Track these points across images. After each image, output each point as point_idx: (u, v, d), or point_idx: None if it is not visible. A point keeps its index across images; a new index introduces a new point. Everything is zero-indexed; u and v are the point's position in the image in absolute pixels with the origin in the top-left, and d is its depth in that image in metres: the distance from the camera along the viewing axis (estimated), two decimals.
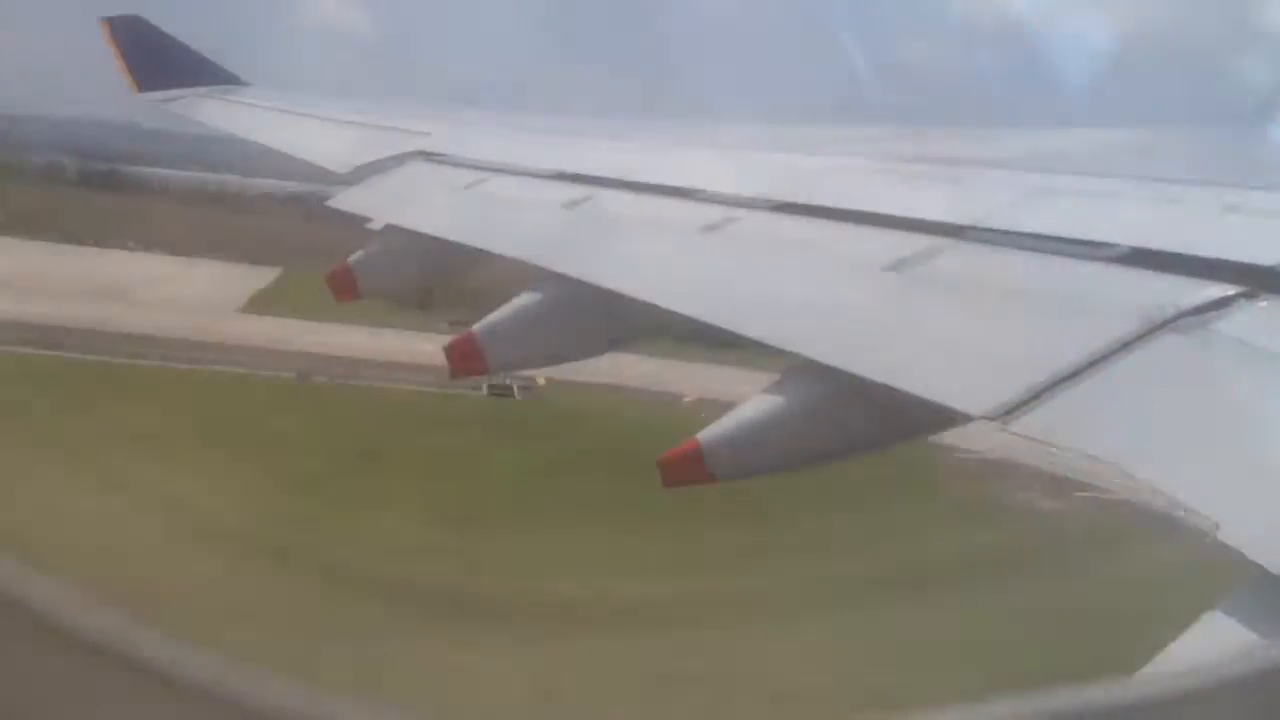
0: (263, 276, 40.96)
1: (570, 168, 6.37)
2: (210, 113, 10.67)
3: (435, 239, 6.25)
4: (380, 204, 6.99)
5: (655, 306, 4.44)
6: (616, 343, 5.20)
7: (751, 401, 3.76)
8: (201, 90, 11.10)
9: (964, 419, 3.08)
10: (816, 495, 16.83)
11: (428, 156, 7.56)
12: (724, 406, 3.89)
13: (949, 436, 4.17)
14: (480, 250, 5.88)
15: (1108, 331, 2.94)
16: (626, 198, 5.67)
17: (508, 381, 28.57)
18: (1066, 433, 2.74)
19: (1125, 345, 2.89)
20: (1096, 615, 17.77)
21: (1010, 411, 2.85)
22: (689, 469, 3.76)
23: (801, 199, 4.82)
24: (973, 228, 3.92)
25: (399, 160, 7.60)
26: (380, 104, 9.90)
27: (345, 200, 7.31)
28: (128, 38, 11.40)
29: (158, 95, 11.22)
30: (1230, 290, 2.95)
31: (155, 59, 11.34)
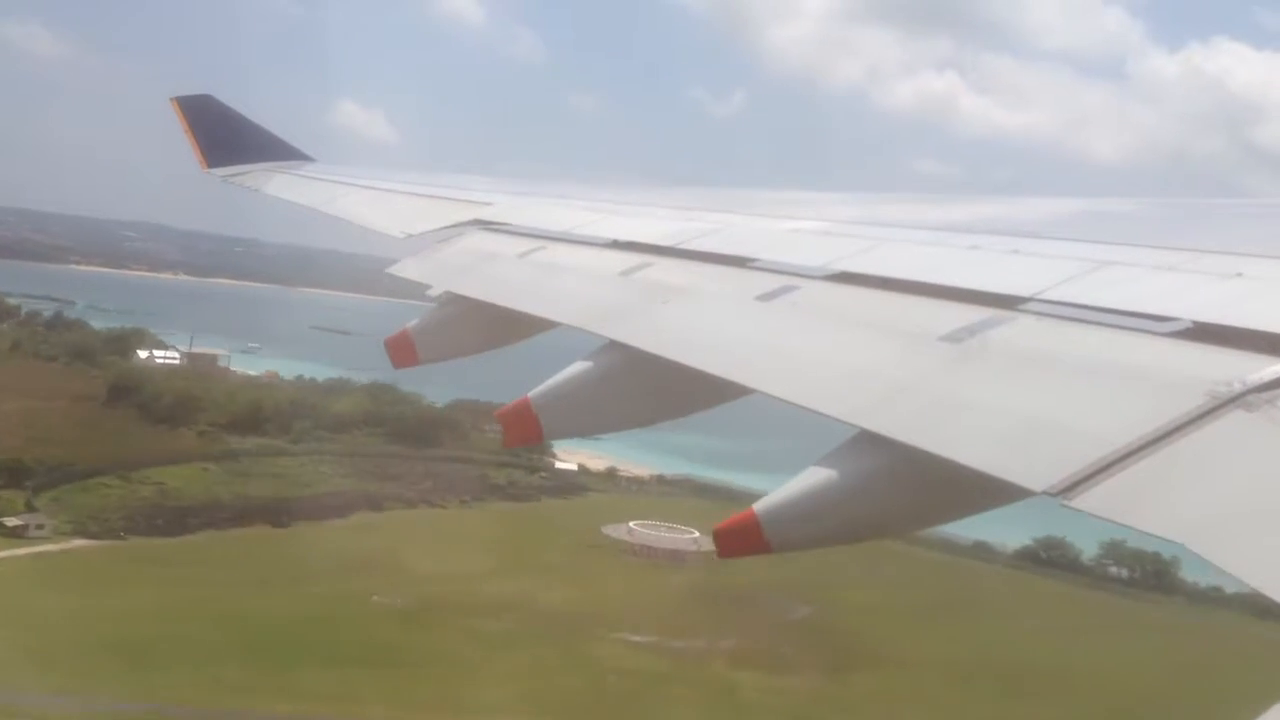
0: None
1: (626, 236, 6.47)
2: (276, 186, 11.01)
3: (492, 306, 6.37)
4: (439, 271, 7.14)
5: (710, 376, 4.47)
6: (673, 412, 5.22)
7: (809, 471, 3.75)
8: (268, 165, 11.47)
9: (1025, 494, 3.05)
10: None
11: (485, 225, 7.73)
12: None
13: None
14: (536, 317, 5.97)
15: (1173, 408, 2.91)
16: (681, 266, 5.74)
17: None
18: (1131, 510, 2.70)
19: (1191, 421, 2.85)
20: None
21: (1072, 487, 2.82)
22: (746, 540, 3.75)
23: (858, 268, 4.85)
24: (1032, 299, 3.91)
25: (458, 229, 7.78)
26: (440, 176, 10.16)
27: (405, 268, 7.47)
28: (197, 116, 11.85)
29: (225, 171, 11.60)
30: None
31: (224, 136, 11.76)
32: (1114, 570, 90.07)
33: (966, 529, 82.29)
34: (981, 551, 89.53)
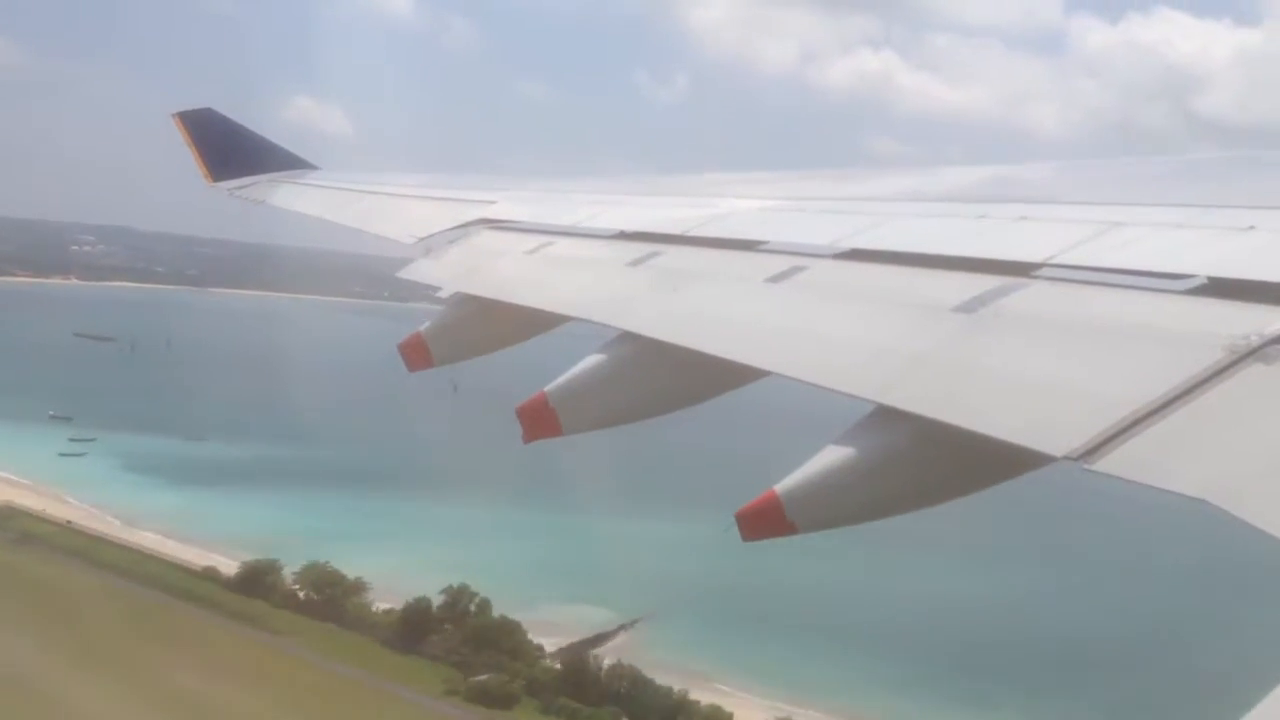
0: None
1: (632, 227, 6.46)
2: (282, 197, 11.04)
3: (504, 304, 6.37)
4: (449, 273, 7.15)
5: (725, 360, 4.47)
6: (690, 399, 5.22)
7: (828, 450, 3.74)
8: (272, 176, 11.50)
9: (1047, 460, 3.04)
10: None
11: (492, 224, 7.73)
12: None
13: None
14: (549, 313, 5.98)
15: (1191, 364, 2.90)
16: (689, 253, 5.73)
17: None
18: (1153, 470, 2.69)
19: (1210, 378, 2.84)
20: None
21: (1093, 451, 2.81)
22: (769, 522, 3.74)
23: (865, 244, 4.83)
24: (1044, 264, 3.89)
25: (465, 230, 7.78)
26: (442, 177, 10.17)
27: (414, 271, 7.48)
28: (200, 130, 11.87)
29: (231, 184, 11.63)
30: None
31: (227, 149, 11.78)
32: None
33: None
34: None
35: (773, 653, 72.28)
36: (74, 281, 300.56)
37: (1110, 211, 4.30)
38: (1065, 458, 2.86)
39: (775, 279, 4.81)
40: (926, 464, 3.60)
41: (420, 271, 7.43)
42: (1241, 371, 2.83)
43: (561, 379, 5.15)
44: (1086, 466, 2.79)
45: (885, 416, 3.59)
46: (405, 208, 9.06)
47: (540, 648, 70.25)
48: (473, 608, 71.53)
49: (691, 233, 5.95)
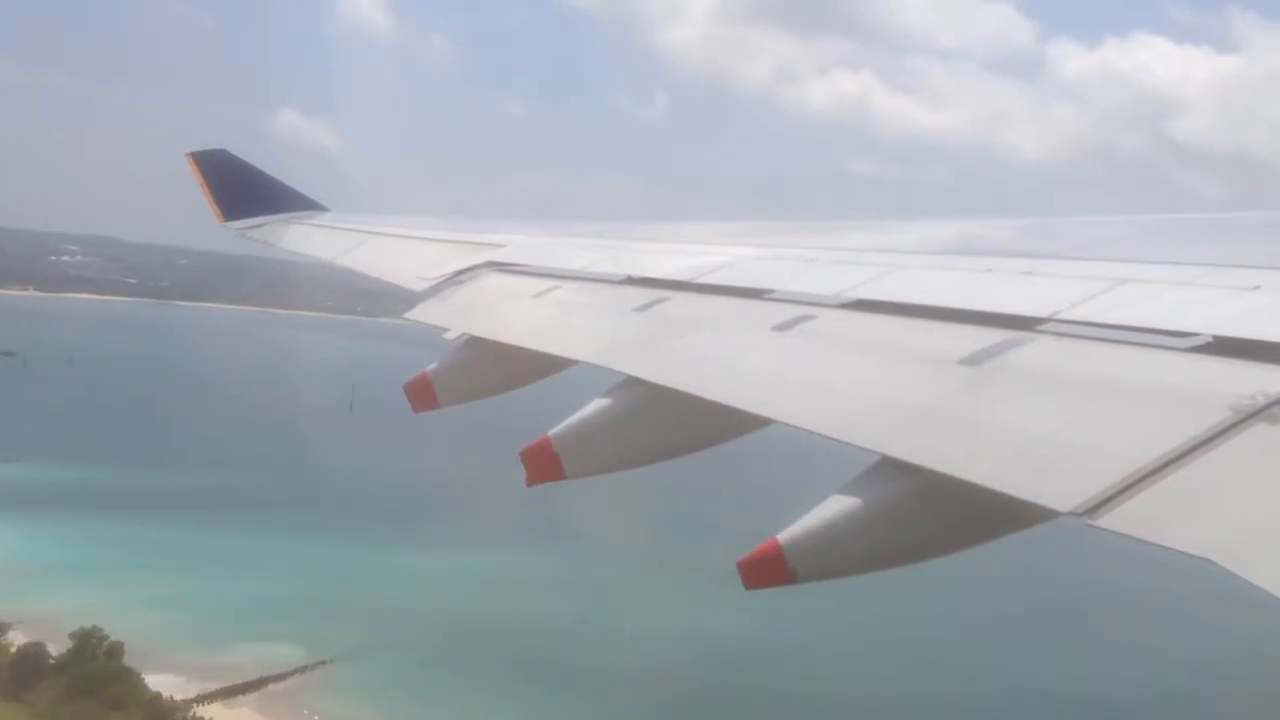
0: None
1: (640, 272, 6.50)
2: (290, 239, 11.14)
3: (510, 346, 6.40)
4: (455, 315, 7.18)
5: (729, 407, 4.47)
6: (694, 445, 5.22)
7: (832, 499, 3.73)
8: (283, 217, 11.61)
9: (1051, 515, 3.03)
10: None
11: (500, 267, 7.78)
12: None
13: None
14: (555, 356, 6.00)
15: (1196, 423, 2.89)
16: (697, 300, 5.76)
17: None
18: (1157, 528, 2.68)
19: (1215, 436, 2.83)
20: None
21: (1098, 507, 2.80)
22: (771, 570, 3.73)
23: (872, 295, 4.85)
24: (1049, 319, 3.90)
25: (472, 272, 7.83)
26: (451, 219, 10.26)
27: (422, 312, 7.52)
28: (212, 170, 12.02)
29: (241, 224, 11.75)
30: None
31: (239, 189, 11.92)
32: None
33: None
34: None
35: (461, 700, 65.36)
36: (31, 293, 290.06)
37: (1116, 268, 4.32)
38: (1070, 513, 2.85)
39: (781, 327, 4.83)
40: (930, 516, 3.59)
41: (427, 313, 7.47)
42: (1247, 431, 2.82)
43: (566, 423, 5.15)
44: (1091, 522, 2.78)
45: (889, 467, 3.58)
46: (414, 250, 9.13)
47: (166, 697, 62.78)
48: (99, 652, 63.69)
49: (699, 280, 5.98)
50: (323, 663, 72.06)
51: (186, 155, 12.16)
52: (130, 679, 63.12)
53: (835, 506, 3.68)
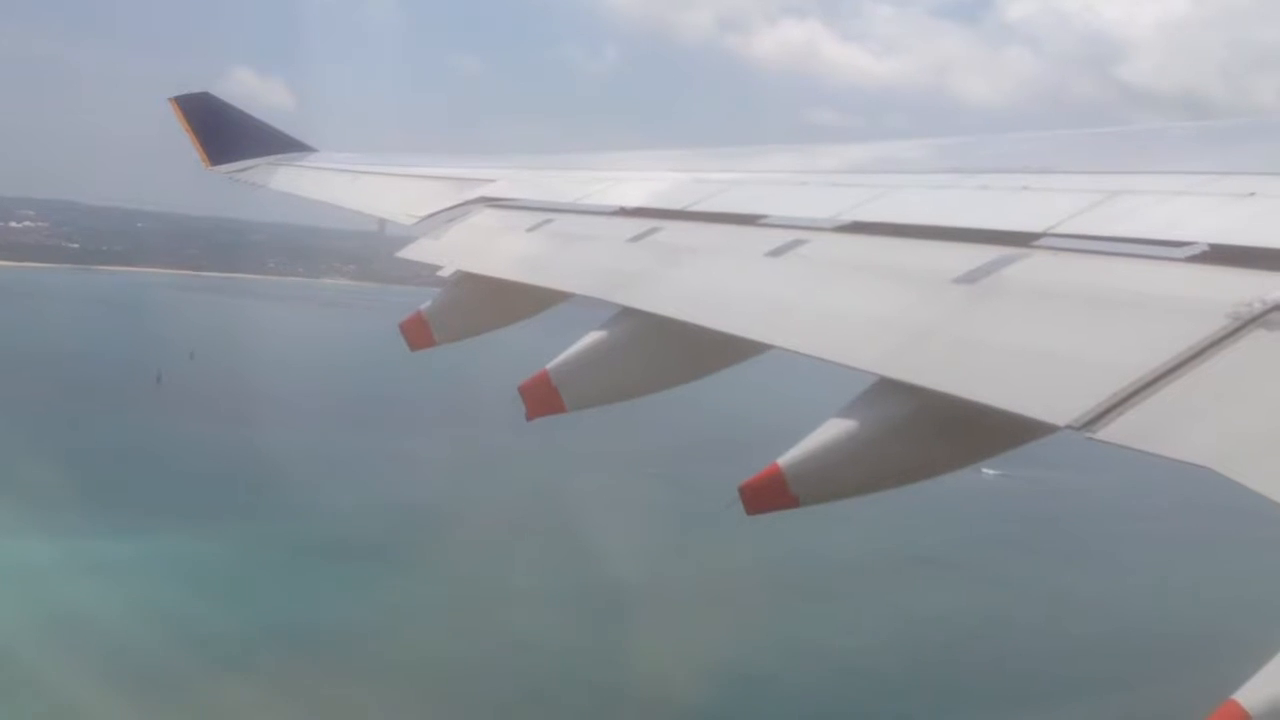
0: None
1: (632, 203, 6.44)
2: (281, 180, 11.00)
3: (505, 281, 6.37)
4: (449, 252, 7.13)
5: (726, 334, 4.47)
6: (692, 374, 5.22)
7: (831, 422, 3.74)
8: (270, 159, 11.45)
9: (1049, 430, 3.04)
10: None
11: (492, 202, 7.71)
12: None
13: None
14: (550, 290, 5.97)
15: (1194, 332, 2.89)
16: (689, 228, 5.72)
17: None
18: (1156, 438, 2.69)
19: (1213, 344, 2.83)
20: None
21: (1096, 419, 2.81)
22: (772, 495, 3.75)
23: (867, 217, 4.82)
24: (1045, 234, 3.88)
25: (464, 209, 7.76)
26: (441, 157, 10.13)
27: (415, 250, 7.47)
28: (197, 115, 11.82)
29: (229, 167, 11.59)
30: None
31: (224, 133, 11.73)
32: None
33: None
34: None
35: None
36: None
37: (1110, 180, 4.29)
38: (1068, 427, 2.86)
39: (775, 253, 4.80)
40: (929, 435, 3.60)
41: (421, 250, 7.41)
42: (1245, 338, 2.82)
43: (563, 356, 5.14)
44: (1089, 435, 2.79)
45: (887, 388, 3.59)
46: (404, 188, 9.04)
47: None
48: None
49: (692, 207, 5.93)
50: None
51: (170, 99, 11.95)
52: None
53: (834, 430, 3.69)
